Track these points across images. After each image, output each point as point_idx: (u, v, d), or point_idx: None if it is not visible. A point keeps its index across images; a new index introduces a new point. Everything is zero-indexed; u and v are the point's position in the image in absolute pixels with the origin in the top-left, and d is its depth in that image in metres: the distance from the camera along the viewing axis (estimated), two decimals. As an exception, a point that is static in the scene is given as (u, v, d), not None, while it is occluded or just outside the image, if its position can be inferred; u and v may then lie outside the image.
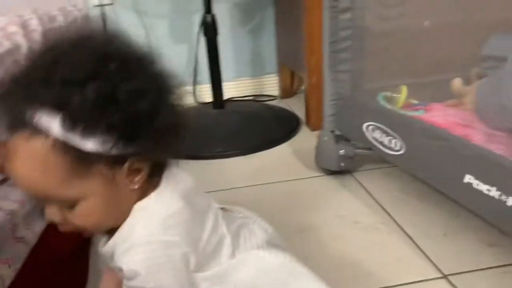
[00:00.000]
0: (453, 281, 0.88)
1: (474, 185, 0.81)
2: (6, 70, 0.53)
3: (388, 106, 1.16)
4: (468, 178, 0.82)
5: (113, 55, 0.50)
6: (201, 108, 1.99)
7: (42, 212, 0.79)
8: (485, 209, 0.81)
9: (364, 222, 1.12)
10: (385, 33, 1.23)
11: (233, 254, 0.63)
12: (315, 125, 1.77)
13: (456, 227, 1.06)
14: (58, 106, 0.47)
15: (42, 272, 0.74)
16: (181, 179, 0.60)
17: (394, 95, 1.25)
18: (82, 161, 0.49)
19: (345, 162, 1.32)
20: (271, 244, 0.68)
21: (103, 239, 0.62)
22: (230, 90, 2.13)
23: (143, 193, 0.56)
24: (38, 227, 0.76)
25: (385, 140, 1.07)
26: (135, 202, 0.56)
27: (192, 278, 0.58)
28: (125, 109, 0.49)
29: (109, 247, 0.58)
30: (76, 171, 0.49)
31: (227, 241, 0.63)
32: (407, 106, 1.22)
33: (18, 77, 0.49)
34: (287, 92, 2.23)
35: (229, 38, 2.15)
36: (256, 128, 1.81)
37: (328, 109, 1.28)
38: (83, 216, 0.53)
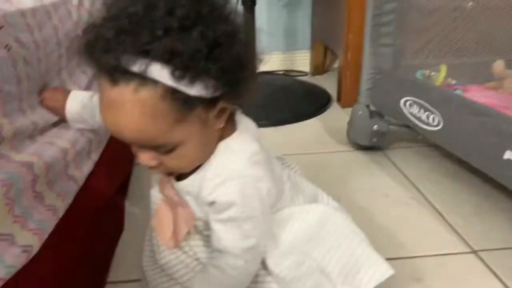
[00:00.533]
0: (483, 256, 0.89)
1: (514, 162, 0.81)
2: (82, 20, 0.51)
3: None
4: (508, 155, 0.82)
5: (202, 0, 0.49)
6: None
7: (89, 155, 0.82)
8: (523, 185, 0.81)
9: (394, 196, 1.13)
10: (430, 9, 1.21)
11: (292, 201, 0.66)
12: (346, 103, 1.77)
13: (486, 207, 1.06)
14: (167, 55, 0.46)
15: (87, 212, 0.77)
16: (248, 124, 0.63)
17: (433, 73, 1.24)
18: (187, 106, 0.49)
19: (378, 138, 1.32)
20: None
21: (163, 179, 0.65)
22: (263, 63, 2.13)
23: (221, 133, 0.59)
24: (86, 169, 0.79)
25: (423, 115, 1.07)
26: (217, 142, 0.58)
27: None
28: (226, 51, 0.49)
29: (190, 184, 0.60)
30: (181, 117, 0.50)
31: (287, 186, 0.66)
32: (445, 85, 1.22)
33: (117, 27, 0.46)
34: (319, 69, 2.22)
35: (264, 11, 2.14)
36: (286, 101, 1.82)
37: (365, 83, 1.28)
38: (179, 159, 0.55)
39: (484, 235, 0.96)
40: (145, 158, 0.54)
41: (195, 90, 0.48)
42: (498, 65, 1.21)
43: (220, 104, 0.53)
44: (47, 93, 0.73)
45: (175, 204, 0.65)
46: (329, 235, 0.67)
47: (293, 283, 0.64)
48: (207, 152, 0.58)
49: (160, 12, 0.46)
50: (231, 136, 0.60)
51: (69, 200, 0.69)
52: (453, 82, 1.23)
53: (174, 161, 0.55)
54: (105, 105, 0.50)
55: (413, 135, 1.26)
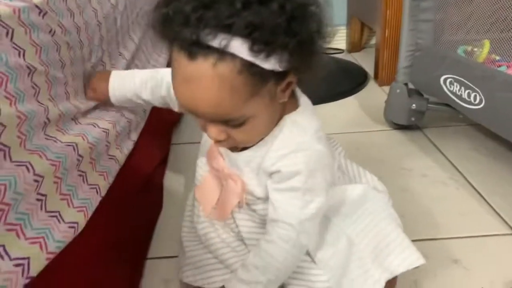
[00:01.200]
0: (524, 238, 0.87)
1: (561, 141, 0.78)
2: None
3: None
4: (554, 134, 0.79)
5: None
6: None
7: (129, 135, 0.84)
8: None
9: (432, 176, 1.11)
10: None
11: (338, 180, 0.68)
12: (384, 80, 1.73)
13: (530, 188, 1.03)
14: (248, 29, 0.45)
15: (127, 191, 0.80)
16: (306, 100, 0.64)
17: (475, 49, 1.20)
18: (261, 80, 0.50)
19: (416, 116, 1.30)
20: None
21: (214, 150, 0.67)
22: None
23: (284, 107, 0.60)
24: (126, 149, 0.81)
25: (464, 93, 1.04)
26: (280, 115, 0.60)
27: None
28: (303, 25, 0.49)
29: (252, 155, 0.62)
30: (255, 91, 0.50)
31: (336, 165, 0.67)
32: (489, 62, 1.17)
33: (196, 1, 0.46)
34: (355, 46, 2.18)
35: (299, -12, 2.11)
36: (322, 80, 1.79)
37: (403, 60, 1.25)
38: (248, 132, 0.56)
39: (527, 217, 0.93)
40: (214, 132, 0.55)
41: (270, 64, 0.48)
42: (546, 40, 1.15)
43: (289, 78, 0.54)
44: (91, 85, 0.76)
45: (225, 176, 0.66)
46: (366, 214, 0.67)
47: (338, 270, 0.65)
48: (272, 125, 0.59)
49: None
50: (296, 110, 0.61)
51: (111, 179, 0.72)
52: (497, 58, 1.18)
53: (242, 135, 0.56)
54: (181, 80, 0.50)
55: (453, 114, 1.23)
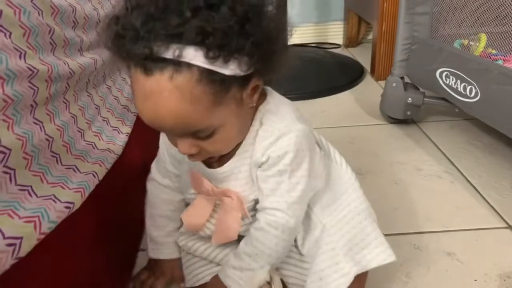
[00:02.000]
0: (519, 232, 0.87)
1: (556, 134, 0.77)
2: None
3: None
4: (550, 127, 0.79)
5: None
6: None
7: (120, 131, 0.83)
8: None
9: (427, 170, 1.11)
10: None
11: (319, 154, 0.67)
12: (380, 75, 1.73)
13: (525, 182, 1.03)
14: (200, 36, 0.44)
15: (122, 181, 0.79)
16: (268, 87, 0.63)
17: (472, 43, 1.19)
18: (223, 87, 0.48)
19: (412, 111, 1.29)
20: None
21: (196, 178, 0.65)
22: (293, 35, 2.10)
23: (255, 108, 0.59)
24: (120, 142, 0.80)
25: (460, 86, 1.03)
26: (251, 118, 0.59)
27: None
28: (257, 26, 0.47)
29: (237, 163, 0.61)
30: (218, 99, 0.49)
31: (317, 149, 0.66)
32: (485, 55, 1.16)
33: (144, 14, 0.45)
34: (352, 40, 2.17)
35: (296, -18, 2.10)
36: (318, 74, 1.79)
37: (399, 54, 1.24)
38: (219, 142, 0.54)
39: (521, 211, 0.93)
40: (185, 146, 0.53)
41: (229, 69, 0.47)
42: (543, 34, 1.14)
43: (253, 82, 0.52)
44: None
45: (217, 195, 0.64)
46: (344, 205, 0.66)
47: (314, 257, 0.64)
48: (244, 131, 0.58)
49: None
50: (266, 100, 0.60)
51: (108, 165, 0.70)
52: (493, 52, 1.17)
53: (214, 145, 0.54)
54: (141, 97, 0.48)
55: (448, 108, 1.22)
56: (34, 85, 0.53)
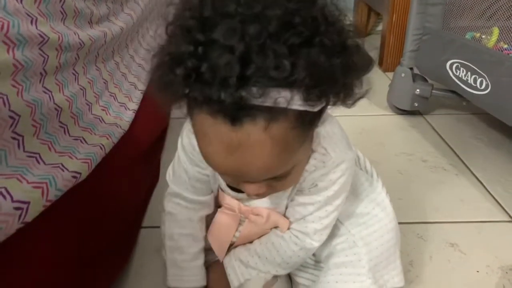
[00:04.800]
0: (522, 226, 0.86)
1: None
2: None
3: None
4: (560, 121, 0.78)
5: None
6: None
7: (127, 107, 0.82)
8: None
9: (432, 162, 1.10)
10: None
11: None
12: (388, 66, 1.72)
13: (530, 177, 1.02)
14: (296, 78, 0.36)
15: (126, 159, 0.79)
16: None
17: (484, 36, 1.18)
18: (311, 126, 0.44)
19: (419, 102, 1.28)
20: None
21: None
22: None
23: None
24: (127, 118, 0.80)
25: (470, 78, 1.02)
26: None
27: None
28: (345, 61, 0.40)
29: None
30: (305, 138, 0.44)
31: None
32: (497, 49, 1.15)
33: (230, 49, 0.36)
34: (361, 31, 2.15)
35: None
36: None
37: (410, 44, 1.23)
38: (292, 181, 0.50)
39: (526, 205, 0.93)
40: (254, 188, 0.47)
41: (319, 105, 0.40)
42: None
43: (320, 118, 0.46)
44: None
45: (247, 214, 0.62)
46: (375, 220, 0.64)
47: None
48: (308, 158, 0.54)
49: (274, 26, 0.36)
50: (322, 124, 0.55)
51: (115, 139, 0.70)
52: (505, 46, 1.16)
53: (285, 183, 0.49)
54: (223, 149, 0.40)
55: (456, 101, 1.21)
56: (45, 53, 0.53)
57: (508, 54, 1.11)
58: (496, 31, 1.15)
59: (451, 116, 1.33)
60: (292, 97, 0.37)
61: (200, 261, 0.65)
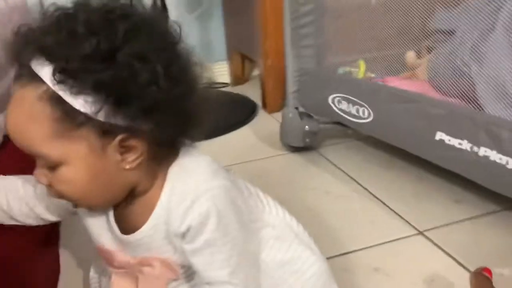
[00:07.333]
0: (429, 236, 0.93)
1: (446, 141, 0.85)
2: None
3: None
4: (439, 135, 0.87)
5: (127, 17, 0.48)
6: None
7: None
8: (457, 162, 0.85)
9: (335, 192, 1.15)
10: (342, 8, 1.27)
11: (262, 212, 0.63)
12: (272, 108, 1.78)
13: (422, 189, 1.12)
14: (51, 54, 0.46)
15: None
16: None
17: (353, 69, 1.29)
18: (69, 119, 0.47)
19: (310, 138, 1.34)
20: None
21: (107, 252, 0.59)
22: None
23: (151, 174, 0.54)
24: None
25: (353, 109, 1.10)
26: (135, 184, 0.53)
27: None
28: (120, 70, 0.45)
29: (151, 229, 0.54)
30: (62, 129, 0.47)
31: (245, 193, 0.62)
32: (366, 79, 1.27)
33: (30, 28, 0.48)
34: (239, 79, 2.22)
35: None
36: (213, 113, 1.79)
37: (291, 85, 1.30)
38: (65, 183, 0.51)
39: (426, 215, 1.00)
40: (37, 172, 0.52)
41: (79, 103, 0.46)
42: (410, 56, 1.28)
43: (121, 138, 0.49)
44: None
45: (137, 266, 0.58)
46: (308, 266, 0.63)
47: None
48: (108, 190, 0.53)
49: (72, 19, 0.47)
50: (176, 160, 0.55)
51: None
52: (373, 75, 1.28)
53: (61, 185, 0.51)
54: None
55: (342, 131, 1.30)
56: None
57: (378, 82, 1.23)
58: (362, 63, 1.27)
59: (341, 145, 1.41)
60: (45, 71, 0.46)
61: None
